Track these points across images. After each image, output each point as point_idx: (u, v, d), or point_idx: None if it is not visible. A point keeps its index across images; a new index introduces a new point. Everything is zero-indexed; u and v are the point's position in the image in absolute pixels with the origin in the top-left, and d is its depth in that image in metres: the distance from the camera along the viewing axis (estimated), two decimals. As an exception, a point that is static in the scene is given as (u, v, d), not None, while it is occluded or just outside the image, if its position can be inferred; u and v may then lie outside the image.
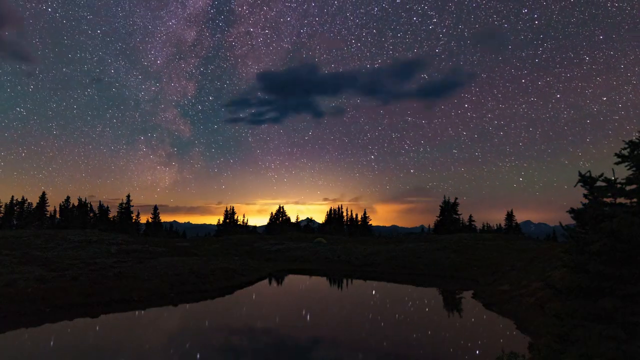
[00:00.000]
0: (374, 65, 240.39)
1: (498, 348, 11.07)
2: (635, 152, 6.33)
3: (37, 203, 62.03)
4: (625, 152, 6.48)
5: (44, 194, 62.24)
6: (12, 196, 63.19)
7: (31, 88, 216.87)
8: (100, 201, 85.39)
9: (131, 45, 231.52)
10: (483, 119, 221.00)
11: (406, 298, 22.62)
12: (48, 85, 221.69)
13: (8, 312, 14.98)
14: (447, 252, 34.98)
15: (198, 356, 11.25)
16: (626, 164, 6.45)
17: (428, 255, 33.97)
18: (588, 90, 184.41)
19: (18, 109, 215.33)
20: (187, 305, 18.51)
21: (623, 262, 5.89)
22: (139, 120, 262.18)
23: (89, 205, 67.28)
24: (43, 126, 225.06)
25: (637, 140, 6.40)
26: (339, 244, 43.64)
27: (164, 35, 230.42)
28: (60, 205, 66.37)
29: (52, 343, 12.37)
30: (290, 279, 28.77)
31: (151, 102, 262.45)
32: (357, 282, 27.69)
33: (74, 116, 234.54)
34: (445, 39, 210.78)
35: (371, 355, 11.60)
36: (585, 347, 5.51)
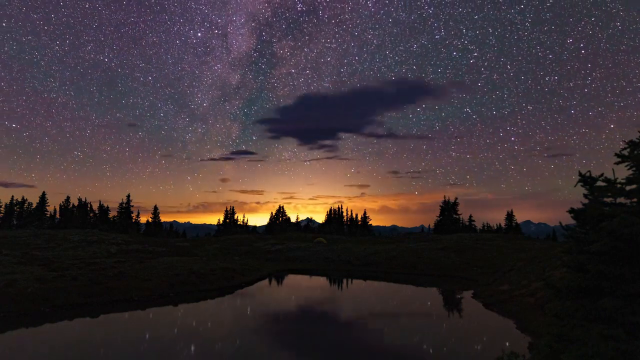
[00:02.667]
0: (414, 101, 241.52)
1: (498, 348, 11.09)
2: (635, 152, 6.32)
3: (37, 203, 61.99)
4: (625, 152, 6.47)
5: (44, 193, 62.24)
6: (12, 196, 63.29)
7: (87, 132, 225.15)
8: (100, 201, 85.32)
9: (179, 89, 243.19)
10: (531, 152, 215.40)
11: (406, 298, 22.62)
12: (103, 130, 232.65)
13: (8, 312, 14.99)
14: (447, 252, 34.98)
15: (198, 356, 11.26)
16: (626, 164, 6.44)
17: (428, 255, 33.97)
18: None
19: (76, 152, 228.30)
20: (187, 305, 18.50)
21: (623, 262, 5.89)
22: (186, 161, 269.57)
23: (89, 205, 67.31)
24: (98, 168, 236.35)
25: (637, 140, 6.40)
26: (339, 244, 43.64)
27: (209, 79, 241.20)
28: (60, 205, 66.40)
29: (52, 343, 12.37)
30: (290, 279, 28.77)
31: (197, 143, 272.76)
32: (357, 282, 27.69)
33: (125, 158, 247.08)
34: (487, 72, 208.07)
35: (371, 355, 11.59)
36: (585, 347, 5.50)
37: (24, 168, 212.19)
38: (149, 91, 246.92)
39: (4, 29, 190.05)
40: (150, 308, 17.49)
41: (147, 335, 13.45)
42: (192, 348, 11.87)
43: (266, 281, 26.65)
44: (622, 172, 6.48)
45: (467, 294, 22.32)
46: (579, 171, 6.92)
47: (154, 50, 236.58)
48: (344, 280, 28.34)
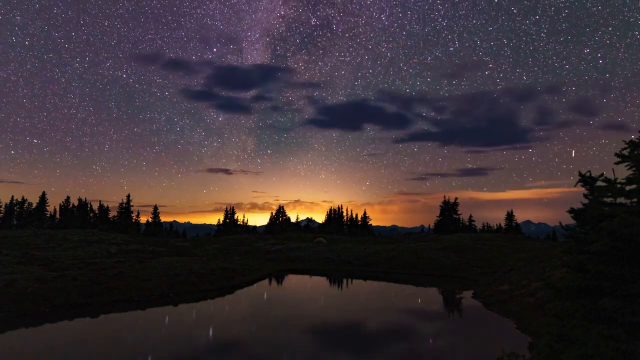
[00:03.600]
0: (430, 112, 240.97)
1: (498, 348, 11.08)
2: (635, 152, 6.32)
3: (37, 203, 61.96)
4: (626, 152, 6.47)
5: (43, 193, 62.22)
6: (12, 196, 63.24)
7: (106, 147, 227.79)
8: (100, 201, 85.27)
9: (195, 104, 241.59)
10: (550, 163, 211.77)
11: (406, 298, 22.62)
12: (121, 145, 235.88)
13: (8, 312, 14.99)
14: (447, 252, 34.97)
15: (197, 355, 11.25)
16: (626, 164, 6.44)
17: (428, 255, 33.96)
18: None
19: (94, 166, 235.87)
20: (187, 305, 18.50)
21: (623, 262, 5.89)
22: (201, 173, 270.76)
23: (89, 205, 67.30)
24: (115, 182, 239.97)
25: (637, 140, 6.40)
26: (339, 244, 43.62)
27: (225, 93, 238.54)
28: (60, 205, 66.37)
29: (52, 343, 12.37)
30: (290, 279, 28.77)
31: (213, 156, 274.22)
32: (357, 282, 27.68)
33: (143, 172, 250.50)
34: (503, 83, 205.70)
35: (371, 355, 11.59)
36: (585, 347, 5.50)
37: (44, 182, 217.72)
38: (166, 106, 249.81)
39: (27, 47, 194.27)
40: (150, 308, 17.49)
41: (148, 335, 13.44)
42: (192, 348, 11.86)
43: (266, 281, 26.64)
44: (623, 172, 6.48)
45: (467, 294, 22.31)
46: (579, 171, 6.91)
47: (171, 66, 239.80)
48: (344, 281, 28.34)
